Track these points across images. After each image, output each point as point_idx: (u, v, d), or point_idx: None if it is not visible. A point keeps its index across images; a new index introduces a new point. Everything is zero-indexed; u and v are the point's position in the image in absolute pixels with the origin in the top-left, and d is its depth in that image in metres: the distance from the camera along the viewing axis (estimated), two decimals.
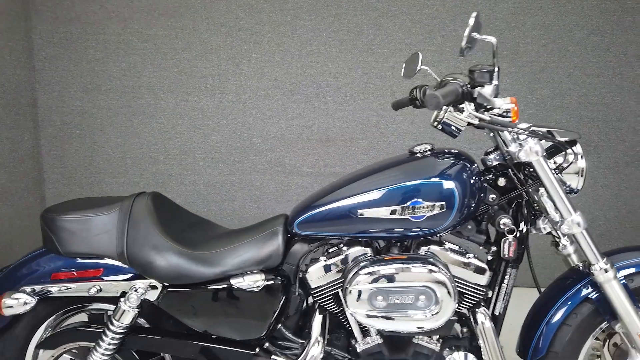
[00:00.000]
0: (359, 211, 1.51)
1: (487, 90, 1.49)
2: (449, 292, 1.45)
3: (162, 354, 1.74)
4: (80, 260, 1.61)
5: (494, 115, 1.50)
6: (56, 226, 1.59)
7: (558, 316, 1.61)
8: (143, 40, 3.40)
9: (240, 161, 3.52)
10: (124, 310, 1.55)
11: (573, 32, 3.33)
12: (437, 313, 1.46)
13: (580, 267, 1.64)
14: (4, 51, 3.07)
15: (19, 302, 1.53)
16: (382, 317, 1.48)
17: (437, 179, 1.48)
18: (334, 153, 3.51)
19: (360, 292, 1.47)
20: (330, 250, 1.60)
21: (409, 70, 1.75)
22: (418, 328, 1.49)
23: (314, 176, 3.52)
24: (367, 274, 1.47)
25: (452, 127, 1.53)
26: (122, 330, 1.57)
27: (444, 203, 1.47)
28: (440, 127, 1.55)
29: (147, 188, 3.52)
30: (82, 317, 1.74)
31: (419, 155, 1.58)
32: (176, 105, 3.46)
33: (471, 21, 1.48)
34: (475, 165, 1.56)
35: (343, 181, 1.61)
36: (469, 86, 1.50)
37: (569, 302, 1.61)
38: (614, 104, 3.37)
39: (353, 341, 1.65)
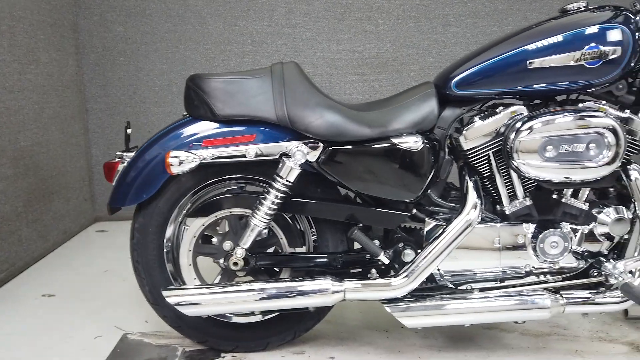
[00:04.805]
0: (529, 61, 1.49)
1: None
2: (618, 138, 1.45)
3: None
4: (232, 127, 1.55)
5: None
6: (212, 87, 1.53)
7: None
8: None
9: None
10: (291, 167, 1.50)
11: None
12: (607, 160, 1.46)
13: None
14: None
15: (188, 159, 1.46)
16: (553, 167, 1.48)
17: (613, 24, 1.48)
18: (385, 79, 3.47)
19: (530, 143, 1.46)
20: (485, 112, 1.58)
21: None
22: (588, 176, 1.48)
23: None
24: (538, 123, 1.46)
25: None
26: (285, 189, 1.52)
27: (619, 48, 1.46)
28: None
29: None
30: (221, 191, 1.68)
31: (573, 11, 1.56)
32: (224, 30, 3.35)
33: None
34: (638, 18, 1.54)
35: (500, 38, 1.58)
36: None
37: None
38: None
39: (498, 207, 1.64)
